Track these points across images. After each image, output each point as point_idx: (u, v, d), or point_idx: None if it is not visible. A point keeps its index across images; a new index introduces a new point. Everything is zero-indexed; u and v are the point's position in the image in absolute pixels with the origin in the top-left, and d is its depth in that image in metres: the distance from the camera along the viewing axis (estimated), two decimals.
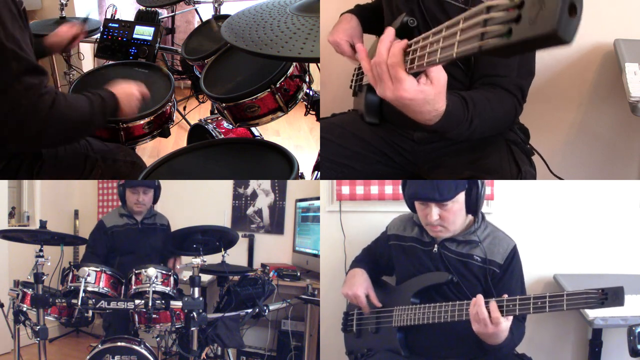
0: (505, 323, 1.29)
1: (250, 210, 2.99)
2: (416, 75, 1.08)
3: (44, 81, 1.36)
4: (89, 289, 1.79)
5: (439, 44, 0.88)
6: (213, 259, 2.04)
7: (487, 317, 1.29)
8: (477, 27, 0.76)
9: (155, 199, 2.38)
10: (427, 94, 1.09)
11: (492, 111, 1.40)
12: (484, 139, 1.54)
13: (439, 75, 1.08)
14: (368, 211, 2.03)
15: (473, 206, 1.47)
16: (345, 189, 2.02)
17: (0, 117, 1.33)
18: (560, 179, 1.84)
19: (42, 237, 1.75)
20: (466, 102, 1.31)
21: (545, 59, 2.05)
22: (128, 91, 1.66)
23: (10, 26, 1.31)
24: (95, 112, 1.50)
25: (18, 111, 1.32)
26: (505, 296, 1.31)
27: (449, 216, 1.46)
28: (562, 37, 0.64)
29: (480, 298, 1.32)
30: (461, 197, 1.45)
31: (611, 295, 1.16)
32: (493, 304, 1.30)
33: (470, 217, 1.52)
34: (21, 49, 1.32)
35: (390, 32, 1.07)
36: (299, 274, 2.48)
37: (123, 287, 1.91)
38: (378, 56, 1.07)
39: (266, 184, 2.95)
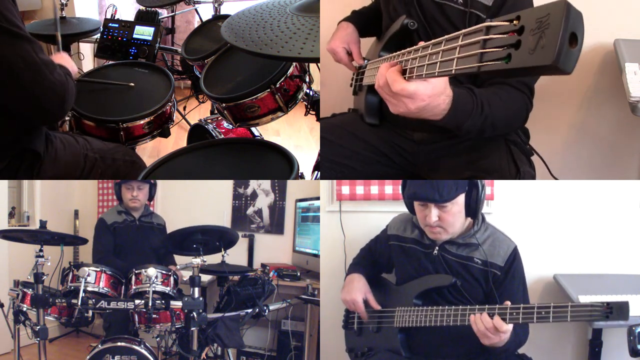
0: (508, 327, 1.29)
1: (250, 210, 2.99)
2: None
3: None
4: (89, 289, 1.79)
5: (438, 57, 0.88)
6: (213, 259, 2.04)
7: (493, 329, 1.29)
8: (476, 47, 0.76)
9: (151, 197, 2.39)
10: (438, 87, 1.12)
11: (502, 103, 1.40)
12: (484, 139, 1.54)
13: None
14: (368, 211, 2.03)
15: (473, 209, 1.46)
16: (345, 189, 2.02)
17: (27, 95, 1.43)
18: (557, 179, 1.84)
19: (42, 237, 1.75)
20: (472, 90, 1.33)
21: None
22: (62, 57, 1.77)
23: (16, 13, 1.39)
24: (72, 79, 1.61)
25: (43, 86, 1.43)
26: (508, 303, 1.31)
27: (448, 218, 1.45)
28: (562, 68, 0.63)
29: (485, 316, 1.31)
30: (461, 199, 1.44)
31: (616, 310, 1.16)
32: (497, 319, 1.29)
33: (469, 219, 1.52)
34: (25, 31, 1.40)
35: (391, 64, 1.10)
36: (299, 274, 2.48)
37: (123, 287, 1.91)
38: (380, 80, 1.10)
39: (266, 184, 2.95)
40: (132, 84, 2.07)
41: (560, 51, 0.62)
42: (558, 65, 0.63)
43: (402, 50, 1.08)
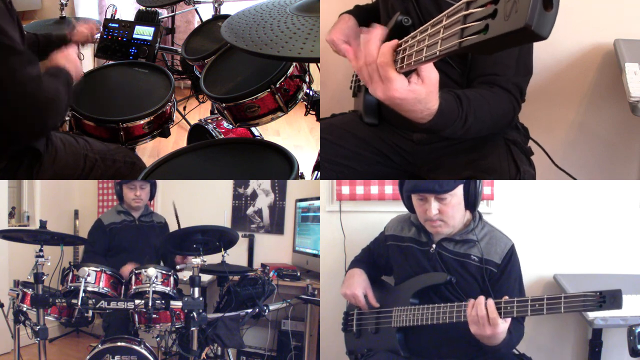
0: (503, 325, 1.29)
1: (250, 210, 2.99)
2: (408, 74, 1.08)
3: (40, 71, 1.44)
4: (89, 289, 1.79)
5: (425, 42, 0.88)
6: (213, 259, 2.04)
7: (486, 317, 1.29)
8: (457, 24, 0.76)
9: (152, 196, 2.39)
10: (418, 94, 1.08)
11: (488, 109, 1.39)
12: (483, 138, 1.54)
13: (430, 74, 1.08)
14: (368, 211, 2.03)
15: (472, 201, 1.47)
16: (345, 189, 2.02)
17: (10, 112, 1.37)
18: (565, 171, 1.84)
19: (42, 237, 1.75)
20: (460, 100, 1.31)
21: (545, 59, 2.05)
22: (68, 57, 1.69)
23: (7, 20, 1.34)
24: (69, 88, 1.56)
25: (25, 102, 1.37)
26: (506, 298, 1.31)
27: (448, 210, 1.45)
28: (536, 32, 0.62)
29: (480, 298, 1.32)
30: (459, 190, 1.45)
31: (609, 298, 1.16)
32: (491, 305, 1.30)
33: (468, 215, 1.52)
34: (14, 41, 1.35)
35: (377, 31, 1.07)
36: (299, 274, 2.48)
37: (123, 287, 1.91)
38: (368, 56, 1.07)
39: (266, 184, 2.95)
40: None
41: (534, 13, 0.61)
42: (532, 28, 0.62)
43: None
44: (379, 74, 1.06)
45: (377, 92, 1.08)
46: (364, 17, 1.77)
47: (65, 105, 1.51)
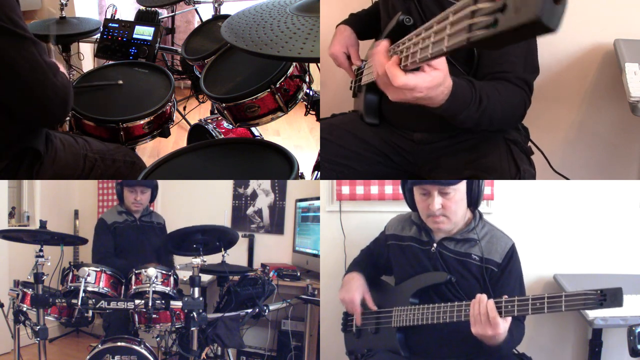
0: (504, 325, 1.29)
1: (250, 210, 2.99)
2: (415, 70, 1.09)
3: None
4: (89, 289, 1.79)
5: (430, 39, 0.88)
6: (213, 259, 2.04)
7: (486, 315, 1.29)
8: (465, 20, 0.76)
9: (152, 199, 2.39)
10: (438, 80, 1.13)
11: (500, 97, 1.40)
12: (483, 138, 1.55)
13: (439, 59, 1.11)
14: (368, 211, 2.03)
15: (474, 198, 1.47)
16: (345, 189, 2.02)
17: (31, 97, 1.44)
18: (562, 175, 1.84)
19: (42, 237, 1.75)
20: (472, 82, 1.34)
21: (545, 58, 2.05)
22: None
23: (20, 14, 1.39)
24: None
25: (46, 88, 1.44)
26: (506, 297, 1.31)
27: (451, 205, 1.45)
28: (546, 24, 0.63)
29: (484, 296, 1.32)
30: (463, 186, 1.45)
31: (610, 296, 1.16)
32: (491, 304, 1.30)
33: (469, 214, 1.52)
34: (29, 33, 1.40)
35: (383, 43, 1.11)
36: (299, 274, 2.48)
37: (123, 287, 1.91)
38: (379, 68, 1.11)
39: (266, 184, 2.95)
40: (121, 82, 2.06)
41: (544, 6, 0.62)
42: (542, 20, 0.62)
43: (398, 42, 1.08)
44: (391, 84, 1.09)
45: (407, 96, 1.13)
46: (360, 25, 1.78)
47: (72, 90, 1.58)
